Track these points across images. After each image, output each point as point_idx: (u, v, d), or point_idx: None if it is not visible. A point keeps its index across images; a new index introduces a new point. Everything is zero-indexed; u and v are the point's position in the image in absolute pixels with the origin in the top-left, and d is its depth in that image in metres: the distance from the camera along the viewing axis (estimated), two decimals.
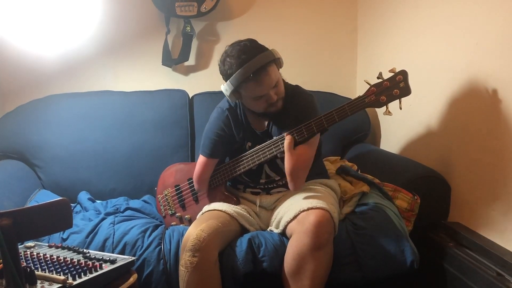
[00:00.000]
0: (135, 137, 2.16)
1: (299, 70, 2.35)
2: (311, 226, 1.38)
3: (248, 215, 1.65)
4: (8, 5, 2.19)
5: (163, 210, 1.86)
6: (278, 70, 1.57)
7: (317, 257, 1.40)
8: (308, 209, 1.44)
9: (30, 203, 1.86)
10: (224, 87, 1.55)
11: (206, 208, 1.67)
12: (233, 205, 1.66)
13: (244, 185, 1.75)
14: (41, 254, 1.29)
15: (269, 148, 1.61)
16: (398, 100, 1.51)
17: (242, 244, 1.51)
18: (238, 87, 1.52)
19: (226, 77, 1.54)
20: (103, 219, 1.71)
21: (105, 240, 1.56)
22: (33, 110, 2.16)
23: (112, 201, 2.01)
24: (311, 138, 1.56)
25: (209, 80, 2.36)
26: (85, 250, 1.37)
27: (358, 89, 2.51)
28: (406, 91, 1.49)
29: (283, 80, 1.65)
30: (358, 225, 1.57)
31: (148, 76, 2.40)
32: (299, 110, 1.60)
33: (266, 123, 1.66)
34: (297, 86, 1.70)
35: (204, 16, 2.29)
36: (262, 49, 1.52)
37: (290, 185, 1.58)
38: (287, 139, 1.54)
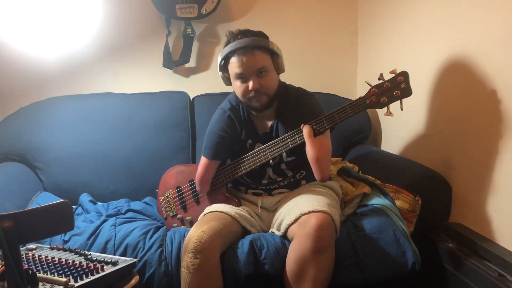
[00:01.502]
0: (136, 139, 2.16)
1: (300, 72, 2.35)
2: (312, 230, 1.38)
3: (249, 216, 1.64)
4: (9, 8, 2.20)
5: (164, 211, 1.86)
6: (272, 62, 1.59)
7: (318, 261, 1.39)
8: (309, 212, 1.44)
9: (32, 205, 1.87)
10: (218, 58, 1.62)
11: (207, 209, 1.67)
12: (234, 207, 1.66)
13: (245, 186, 1.75)
14: (43, 256, 1.29)
15: (270, 149, 1.61)
16: (399, 101, 1.51)
17: (243, 246, 1.51)
18: (225, 60, 1.58)
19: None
20: (104, 221, 1.71)
21: (107, 242, 1.56)
22: (34, 112, 2.16)
23: (114, 203, 2.01)
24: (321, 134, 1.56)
25: (210, 82, 2.36)
26: (86, 252, 1.37)
27: (358, 90, 2.51)
28: (407, 92, 1.49)
29: (284, 83, 1.66)
30: (359, 227, 1.57)
31: (149, 78, 2.40)
32: (306, 110, 1.61)
33: (270, 124, 1.67)
34: (299, 88, 1.71)
35: (205, 18, 2.29)
36: (260, 35, 1.58)
37: (316, 174, 1.57)
38: (306, 128, 1.54)
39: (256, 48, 1.54)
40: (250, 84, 1.55)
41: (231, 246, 1.54)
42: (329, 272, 1.44)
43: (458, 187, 1.67)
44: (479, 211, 1.57)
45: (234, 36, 1.58)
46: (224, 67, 1.62)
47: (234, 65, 1.57)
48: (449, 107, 1.71)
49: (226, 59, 1.59)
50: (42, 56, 2.28)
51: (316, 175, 1.58)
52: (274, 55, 1.58)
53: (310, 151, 1.55)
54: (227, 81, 1.66)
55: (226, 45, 1.59)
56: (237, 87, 1.61)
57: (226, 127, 1.69)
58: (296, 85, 1.73)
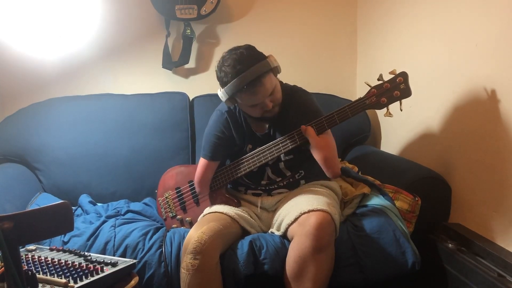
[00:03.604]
0: (136, 139, 2.16)
1: (299, 72, 2.36)
2: (312, 229, 1.38)
3: (249, 217, 1.64)
4: (8, 9, 2.20)
5: (164, 212, 1.86)
6: (276, 76, 1.56)
7: (318, 260, 1.39)
8: (309, 211, 1.44)
9: (31, 207, 1.86)
10: (220, 93, 1.56)
11: (207, 210, 1.67)
12: (234, 207, 1.66)
13: (245, 187, 1.75)
14: (43, 257, 1.30)
15: (270, 150, 1.61)
16: (398, 102, 1.52)
17: (243, 247, 1.51)
18: (233, 95, 1.52)
19: (222, 84, 1.54)
20: (104, 222, 1.71)
21: (106, 243, 1.56)
22: (33, 113, 2.16)
23: (113, 204, 2.01)
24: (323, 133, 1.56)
25: (209, 82, 2.35)
26: (86, 253, 1.37)
27: (358, 91, 2.51)
28: (406, 93, 1.49)
29: (281, 82, 1.65)
30: (359, 227, 1.57)
31: (149, 79, 2.40)
32: (300, 107, 1.61)
33: (267, 125, 1.67)
34: (294, 86, 1.70)
35: (204, 18, 2.30)
36: (258, 58, 1.50)
37: (327, 173, 1.59)
38: (308, 129, 1.54)
39: (262, 76, 1.47)
40: (266, 106, 1.53)
41: (230, 246, 1.54)
42: (329, 271, 1.45)
43: (458, 188, 1.68)
44: (478, 212, 1.57)
45: (232, 67, 1.47)
46: (231, 99, 1.54)
47: (246, 98, 1.52)
48: (449, 108, 1.71)
49: (232, 95, 1.51)
50: (41, 57, 2.28)
51: (327, 173, 1.60)
52: (274, 69, 1.53)
53: (316, 152, 1.56)
54: (232, 105, 1.61)
55: (221, 72, 1.51)
56: (250, 111, 1.58)
57: (224, 128, 1.69)
58: (293, 84, 1.73)
